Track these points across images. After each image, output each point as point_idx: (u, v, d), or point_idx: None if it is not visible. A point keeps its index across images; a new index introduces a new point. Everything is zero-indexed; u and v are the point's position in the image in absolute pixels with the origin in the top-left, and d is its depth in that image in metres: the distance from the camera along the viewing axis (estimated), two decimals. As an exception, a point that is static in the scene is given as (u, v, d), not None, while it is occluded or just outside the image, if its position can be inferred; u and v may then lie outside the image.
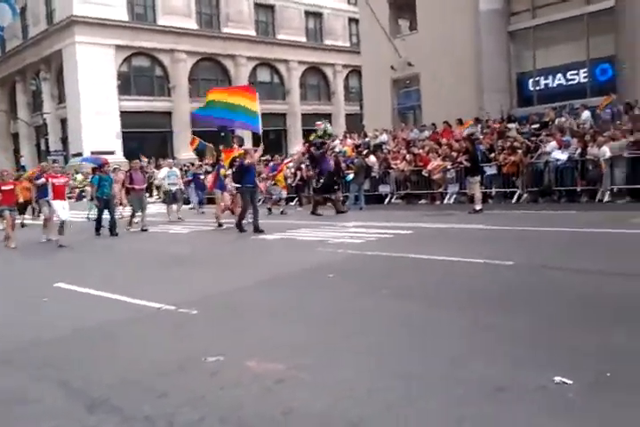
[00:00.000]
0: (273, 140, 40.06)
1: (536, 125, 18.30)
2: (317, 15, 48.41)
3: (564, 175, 15.18)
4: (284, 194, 18.06)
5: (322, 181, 16.50)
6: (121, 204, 16.27)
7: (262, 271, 7.96)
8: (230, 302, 6.27)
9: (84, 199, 24.31)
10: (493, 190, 16.62)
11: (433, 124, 21.42)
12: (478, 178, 14.78)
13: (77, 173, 32.59)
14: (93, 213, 15.82)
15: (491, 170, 16.37)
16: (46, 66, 40.40)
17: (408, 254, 8.49)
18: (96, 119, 36.53)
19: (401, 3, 25.07)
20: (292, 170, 20.20)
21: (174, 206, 17.36)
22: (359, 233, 11.33)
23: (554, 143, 15.55)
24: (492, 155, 16.71)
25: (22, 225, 16.97)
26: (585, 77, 20.42)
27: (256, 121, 13.32)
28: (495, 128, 18.63)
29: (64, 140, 40.24)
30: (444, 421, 3.13)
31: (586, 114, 17.49)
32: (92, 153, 31.95)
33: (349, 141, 23.32)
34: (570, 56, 20.90)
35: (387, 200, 18.88)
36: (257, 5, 44.62)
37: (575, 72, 20.69)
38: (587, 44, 20.26)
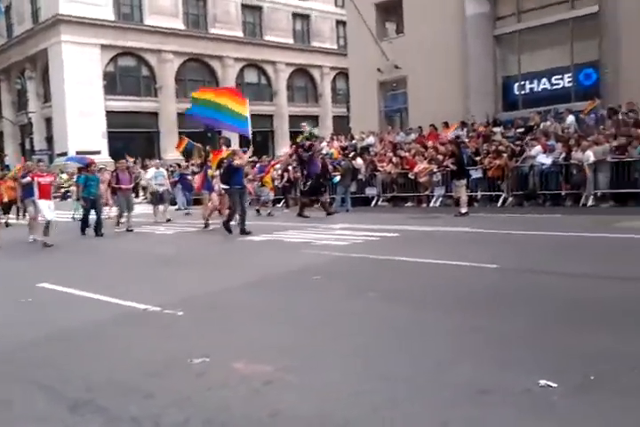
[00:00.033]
0: (260, 142, 39.92)
1: (521, 129, 18.44)
2: (305, 17, 48.39)
3: (549, 179, 15.33)
4: (272, 196, 18.05)
5: (309, 183, 16.51)
6: (107, 204, 16.20)
7: (249, 273, 7.95)
8: (216, 303, 6.25)
9: (69, 199, 24.14)
10: (479, 194, 16.72)
11: (419, 127, 21.48)
12: (464, 181, 14.89)
13: (62, 172, 32.36)
14: (79, 213, 15.71)
15: (476, 173, 16.47)
16: (32, 65, 40.12)
17: (394, 257, 8.51)
18: (82, 119, 36.31)
19: (388, 6, 25.12)
20: (279, 171, 20.18)
21: (161, 207, 17.28)
22: (345, 235, 11.33)
23: (539, 147, 15.69)
24: (478, 158, 16.83)
25: (7, 225, 16.83)
26: (569, 82, 20.57)
27: (245, 124, 13.27)
28: (481, 132, 18.75)
29: (49, 140, 39.96)
30: (430, 423, 3.15)
31: (570, 118, 17.63)
32: (78, 153, 31.61)
33: (336, 144, 23.31)
34: (555, 61, 21.04)
35: (373, 203, 18.93)
36: (244, 6, 44.54)
37: (560, 77, 20.83)
38: (571, 49, 20.41)
